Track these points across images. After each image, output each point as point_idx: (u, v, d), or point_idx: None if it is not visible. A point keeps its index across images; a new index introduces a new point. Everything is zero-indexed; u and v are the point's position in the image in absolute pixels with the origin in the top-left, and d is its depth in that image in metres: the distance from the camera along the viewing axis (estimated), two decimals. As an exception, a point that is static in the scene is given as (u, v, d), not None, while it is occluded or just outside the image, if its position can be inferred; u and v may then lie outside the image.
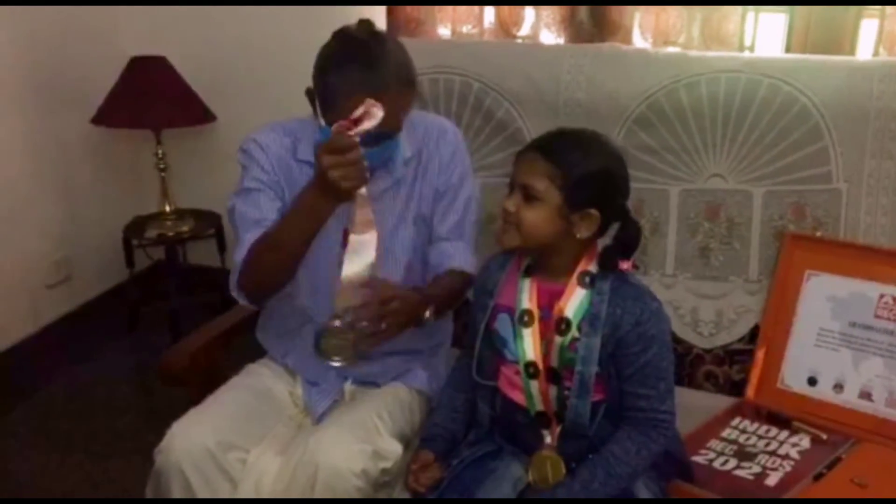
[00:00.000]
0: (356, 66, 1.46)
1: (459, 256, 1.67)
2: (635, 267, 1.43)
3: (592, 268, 1.41)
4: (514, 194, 1.39)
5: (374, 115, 1.38)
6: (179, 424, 1.51)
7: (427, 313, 1.53)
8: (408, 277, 1.66)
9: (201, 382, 1.66)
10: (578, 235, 1.38)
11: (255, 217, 1.58)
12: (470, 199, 1.71)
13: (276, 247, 1.49)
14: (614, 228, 1.42)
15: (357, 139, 1.35)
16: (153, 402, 2.56)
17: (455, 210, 1.68)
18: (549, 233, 1.38)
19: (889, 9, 1.97)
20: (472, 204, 1.71)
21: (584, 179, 1.35)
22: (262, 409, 1.61)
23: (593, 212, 1.37)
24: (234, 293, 1.58)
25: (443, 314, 1.65)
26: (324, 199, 1.40)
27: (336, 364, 1.51)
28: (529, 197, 1.37)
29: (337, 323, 1.45)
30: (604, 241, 1.43)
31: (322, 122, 1.51)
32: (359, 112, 1.37)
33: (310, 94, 1.53)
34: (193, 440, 1.48)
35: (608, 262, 1.40)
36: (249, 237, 1.55)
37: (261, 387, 1.66)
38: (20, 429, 2.46)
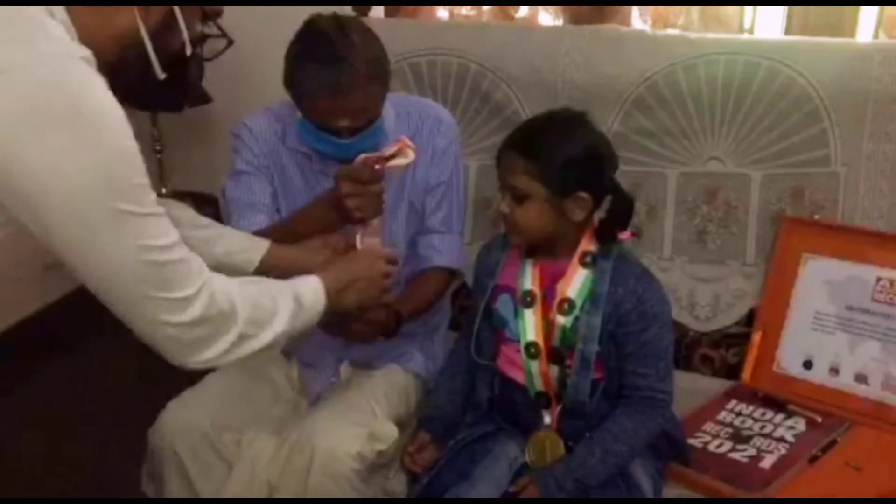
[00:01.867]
0: (320, 66, 1.43)
1: (447, 252, 1.68)
2: (634, 235, 1.43)
3: (593, 246, 1.41)
4: (505, 196, 1.39)
5: (406, 154, 1.44)
6: (174, 405, 1.52)
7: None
8: (403, 267, 1.66)
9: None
10: (574, 218, 1.38)
11: (249, 200, 1.59)
12: (461, 193, 1.70)
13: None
14: (608, 202, 1.42)
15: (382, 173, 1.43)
16: (153, 384, 2.55)
17: (446, 204, 1.68)
18: (545, 225, 1.38)
19: (890, -9, 1.96)
20: (462, 197, 1.71)
21: (565, 166, 1.35)
22: (257, 390, 1.61)
23: (583, 194, 1.36)
24: None
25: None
26: (334, 217, 1.46)
27: None
28: (518, 197, 1.37)
29: None
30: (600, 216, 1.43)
31: (300, 113, 1.51)
32: (391, 150, 1.43)
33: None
34: (188, 421, 1.48)
35: (606, 236, 1.40)
36: (245, 224, 1.56)
37: (256, 368, 1.66)
38: (19, 412, 2.46)
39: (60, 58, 0.92)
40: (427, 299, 1.67)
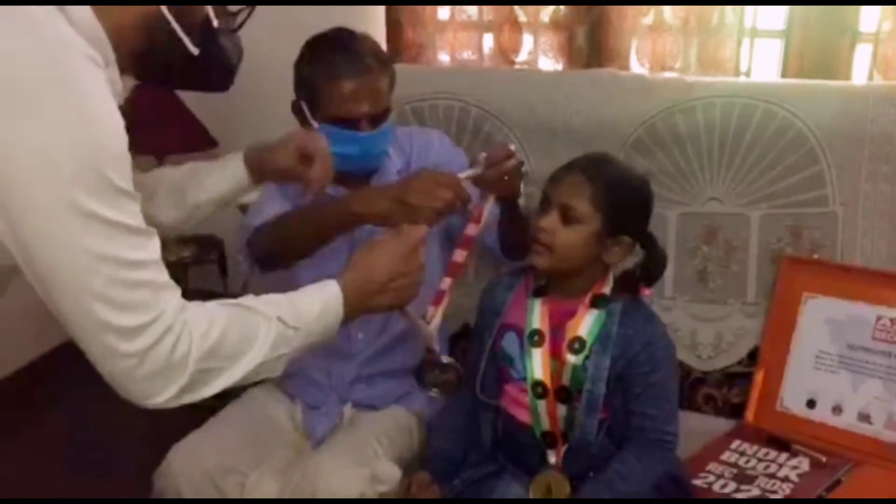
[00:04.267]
0: (333, 52, 1.53)
1: None
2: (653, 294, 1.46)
3: (606, 290, 1.42)
4: (550, 214, 1.39)
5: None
6: (179, 448, 1.52)
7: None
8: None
9: (205, 405, 1.66)
10: (608, 261, 1.40)
11: (270, 194, 1.62)
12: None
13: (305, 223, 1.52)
14: (638, 255, 1.44)
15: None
16: (158, 426, 2.55)
17: None
18: (581, 255, 1.39)
19: (883, 33, 1.99)
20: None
21: (626, 206, 1.38)
22: (262, 433, 1.62)
23: (627, 238, 1.39)
24: (241, 255, 1.61)
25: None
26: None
27: (433, 395, 1.49)
28: (568, 218, 1.37)
29: (445, 359, 1.43)
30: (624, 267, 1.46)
31: (315, 125, 1.55)
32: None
33: (295, 105, 1.58)
34: (193, 464, 1.49)
35: (629, 287, 1.42)
36: (269, 209, 1.59)
37: (260, 411, 1.67)
38: (26, 453, 2.46)
39: (51, 47, 0.90)
40: None
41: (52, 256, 0.92)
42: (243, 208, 1.70)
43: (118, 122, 0.94)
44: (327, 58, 1.53)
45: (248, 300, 1.10)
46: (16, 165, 0.88)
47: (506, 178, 1.49)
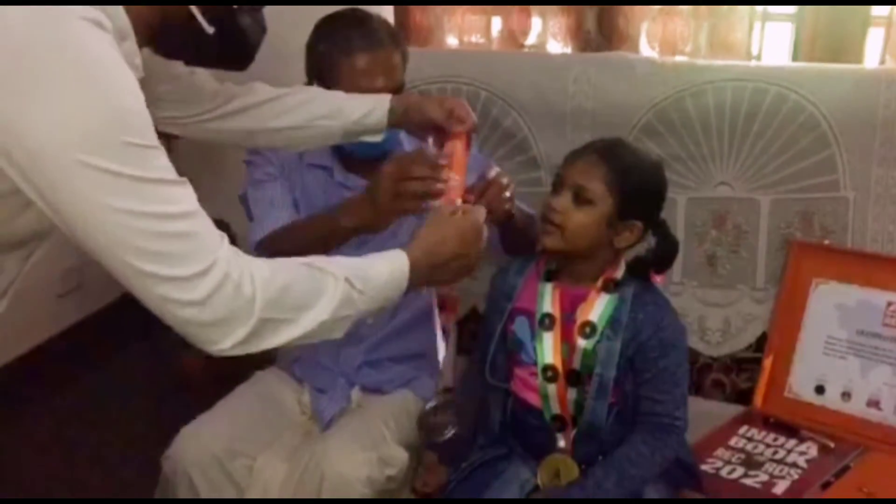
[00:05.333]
0: (346, 28, 1.53)
1: None
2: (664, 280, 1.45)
3: (618, 275, 1.42)
4: (562, 194, 1.39)
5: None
6: (187, 431, 1.52)
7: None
8: None
9: (213, 388, 1.67)
10: (618, 245, 1.39)
11: (271, 198, 1.60)
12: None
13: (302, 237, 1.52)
14: (650, 241, 1.44)
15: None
16: (165, 410, 2.56)
17: None
18: (592, 238, 1.39)
19: (895, 17, 1.97)
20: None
21: (639, 190, 1.38)
22: (270, 416, 1.62)
23: (638, 223, 1.38)
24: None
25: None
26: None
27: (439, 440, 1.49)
28: (581, 199, 1.37)
29: (449, 433, 1.45)
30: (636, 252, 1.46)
31: None
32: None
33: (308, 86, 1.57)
34: (201, 446, 1.49)
35: (640, 273, 1.42)
36: (269, 222, 1.58)
37: (269, 394, 1.67)
38: (31, 438, 2.47)
39: (50, 14, 0.88)
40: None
41: (86, 220, 0.91)
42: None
43: (129, 80, 0.93)
44: (341, 34, 1.53)
45: (315, 259, 1.09)
46: (31, 136, 0.87)
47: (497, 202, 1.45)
